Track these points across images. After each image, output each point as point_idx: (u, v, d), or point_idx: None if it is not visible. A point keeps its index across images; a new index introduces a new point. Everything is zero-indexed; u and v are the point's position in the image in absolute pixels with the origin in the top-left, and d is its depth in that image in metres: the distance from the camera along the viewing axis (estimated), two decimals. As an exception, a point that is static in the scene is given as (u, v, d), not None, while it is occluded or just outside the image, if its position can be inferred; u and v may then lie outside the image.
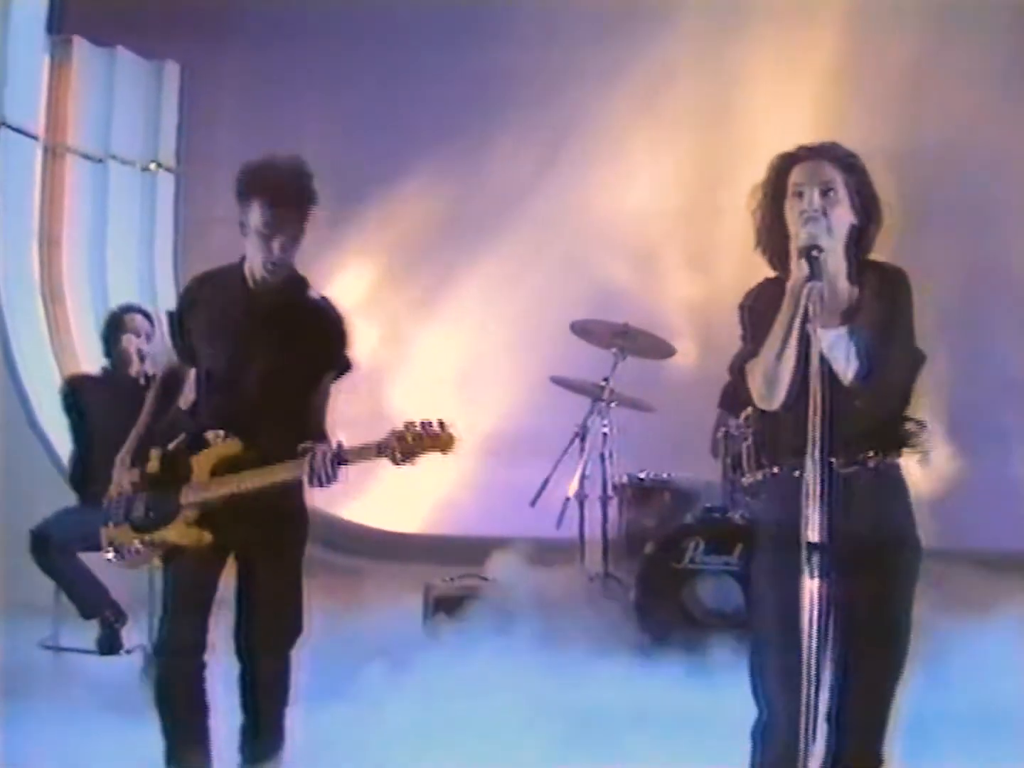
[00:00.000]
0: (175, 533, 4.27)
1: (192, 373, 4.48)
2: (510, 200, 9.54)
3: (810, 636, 3.23)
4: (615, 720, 5.50)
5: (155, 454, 4.39)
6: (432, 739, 5.09)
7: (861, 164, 3.59)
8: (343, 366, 4.36)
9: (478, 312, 9.65)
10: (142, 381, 6.29)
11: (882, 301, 3.53)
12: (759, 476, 6.69)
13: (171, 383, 4.56)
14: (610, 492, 7.26)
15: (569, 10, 9.36)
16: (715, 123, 9.61)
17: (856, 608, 3.36)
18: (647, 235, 9.58)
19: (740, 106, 9.56)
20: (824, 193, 3.50)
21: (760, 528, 3.71)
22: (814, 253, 3.39)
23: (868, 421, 3.45)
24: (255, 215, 4.16)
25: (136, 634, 6.22)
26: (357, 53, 9.50)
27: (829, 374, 3.41)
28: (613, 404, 7.21)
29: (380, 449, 4.05)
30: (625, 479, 7.26)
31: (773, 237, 3.61)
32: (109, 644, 6.20)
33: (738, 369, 3.64)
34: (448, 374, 9.17)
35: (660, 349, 7.38)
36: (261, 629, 4.33)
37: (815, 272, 3.38)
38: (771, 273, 3.65)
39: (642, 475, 7.28)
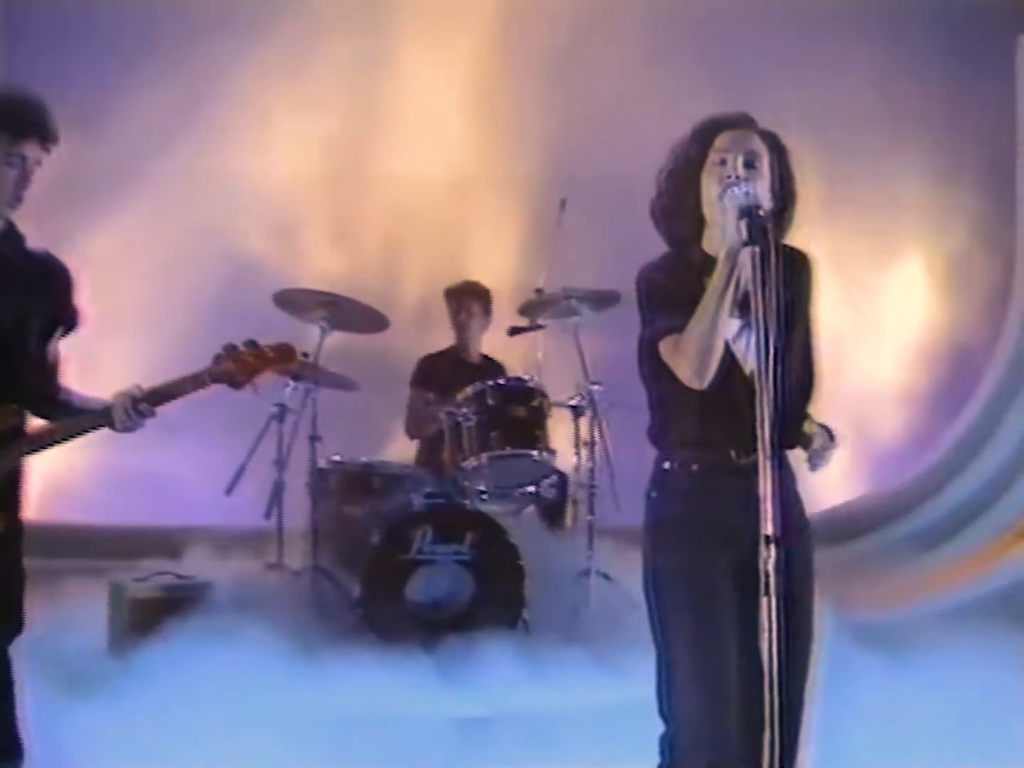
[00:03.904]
0: None
1: None
2: (134, 163, 8.85)
3: (770, 637, 2.92)
4: (333, 723, 5.21)
5: None
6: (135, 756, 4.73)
7: (784, 145, 3.45)
8: (72, 320, 3.93)
9: (101, 280, 8.85)
10: None
11: (787, 288, 3.30)
12: (483, 459, 6.45)
13: None
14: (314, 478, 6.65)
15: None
16: (363, 91, 9.28)
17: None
18: (289, 203, 9.14)
19: (389, 73, 9.26)
20: (748, 164, 3.28)
21: (661, 526, 3.46)
22: (759, 212, 3.10)
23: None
24: None
25: None
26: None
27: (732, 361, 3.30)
28: (315, 382, 6.61)
29: (213, 376, 3.76)
30: (327, 463, 6.72)
31: (682, 206, 3.42)
32: None
33: (647, 348, 3.38)
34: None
35: (373, 321, 6.83)
36: None
37: (754, 236, 3.09)
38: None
39: (339, 458, 6.76)
